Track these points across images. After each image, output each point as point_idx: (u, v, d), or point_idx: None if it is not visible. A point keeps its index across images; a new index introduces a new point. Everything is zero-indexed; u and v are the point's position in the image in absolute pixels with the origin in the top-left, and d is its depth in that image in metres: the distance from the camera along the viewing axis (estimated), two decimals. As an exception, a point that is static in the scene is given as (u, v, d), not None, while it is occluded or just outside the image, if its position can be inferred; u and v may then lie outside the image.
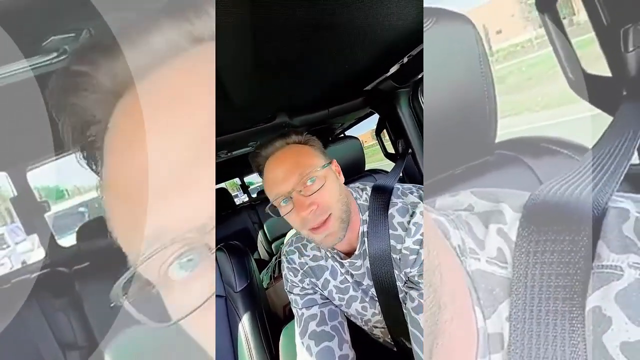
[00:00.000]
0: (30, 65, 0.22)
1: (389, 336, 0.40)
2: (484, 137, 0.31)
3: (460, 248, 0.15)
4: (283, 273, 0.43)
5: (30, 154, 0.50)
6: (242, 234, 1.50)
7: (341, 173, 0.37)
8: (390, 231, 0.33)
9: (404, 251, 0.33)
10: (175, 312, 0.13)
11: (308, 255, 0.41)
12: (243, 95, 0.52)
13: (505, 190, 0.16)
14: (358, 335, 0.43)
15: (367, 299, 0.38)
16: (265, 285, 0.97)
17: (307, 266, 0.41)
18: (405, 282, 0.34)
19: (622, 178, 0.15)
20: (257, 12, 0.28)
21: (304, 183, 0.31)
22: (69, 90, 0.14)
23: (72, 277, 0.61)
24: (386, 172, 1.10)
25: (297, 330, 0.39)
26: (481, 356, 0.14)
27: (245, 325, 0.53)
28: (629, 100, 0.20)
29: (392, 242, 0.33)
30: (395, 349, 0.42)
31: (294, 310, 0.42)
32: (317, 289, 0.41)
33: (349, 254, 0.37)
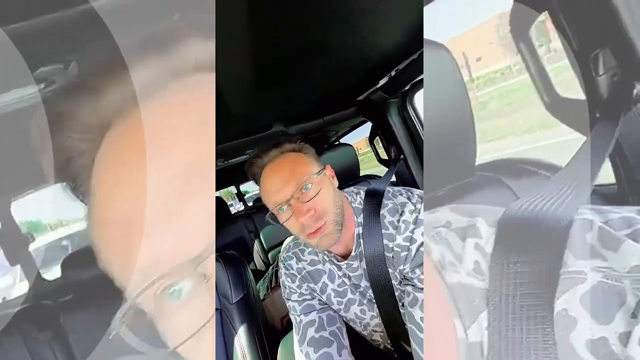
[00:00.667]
0: (18, 97, 0.22)
1: (389, 341, 0.40)
2: (466, 159, 0.33)
3: (441, 262, 0.16)
4: (280, 280, 0.43)
5: (14, 185, 0.48)
6: (238, 243, 1.46)
7: (335, 177, 0.38)
8: (383, 231, 0.35)
9: (395, 248, 0.34)
10: (171, 338, 0.13)
11: (305, 260, 0.41)
12: (241, 105, 0.53)
13: (481, 207, 0.18)
14: (358, 342, 0.42)
15: (365, 301, 0.38)
16: (262, 297, 0.95)
17: (304, 271, 0.41)
18: (401, 281, 0.35)
19: (589, 193, 0.16)
20: (256, 32, 0.31)
21: (300, 190, 0.33)
22: (51, 131, 0.14)
23: (57, 310, 0.57)
24: (380, 177, 1.12)
25: (296, 338, 0.39)
26: None
27: (241, 338, 0.52)
28: (600, 121, 0.22)
29: (385, 241, 0.34)
30: (396, 355, 0.41)
31: (292, 318, 0.41)
32: (315, 294, 0.41)
33: (345, 257, 0.38)
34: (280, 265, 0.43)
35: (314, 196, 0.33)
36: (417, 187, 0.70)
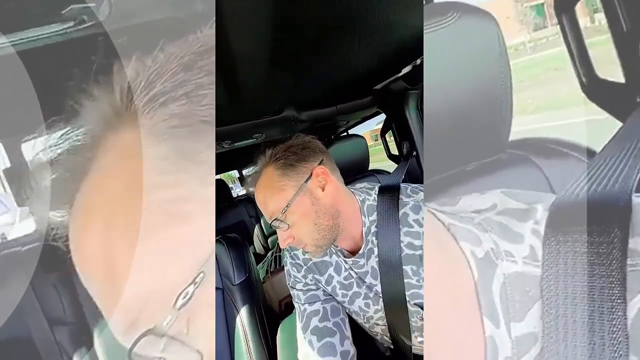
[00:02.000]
0: (46, 33, 0.21)
1: (388, 334, 0.40)
2: (499, 135, 0.31)
3: (494, 251, 0.14)
4: (286, 268, 0.43)
5: (25, 126, 0.47)
6: (239, 226, 1.48)
7: (329, 177, 0.36)
8: (407, 229, 0.34)
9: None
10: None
11: None
12: (252, 85, 0.50)
13: (535, 192, 0.16)
14: (356, 334, 0.43)
15: (371, 295, 0.38)
16: (261, 279, 0.97)
17: (311, 262, 0.41)
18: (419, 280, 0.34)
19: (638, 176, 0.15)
20: (273, 5, 0.28)
21: (275, 221, 0.33)
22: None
23: (65, 252, 0.60)
24: (388, 172, 1.10)
25: (299, 325, 0.39)
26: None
27: (243, 319, 0.53)
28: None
29: (409, 239, 0.34)
30: (392, 347, 0.42)
31: (296, 306, 0.41)
32: (320, 284, 0.41)
33: (353, 252, 0.38)
34: (286, 254, 0.43)
35: (287, 228, 0.33)
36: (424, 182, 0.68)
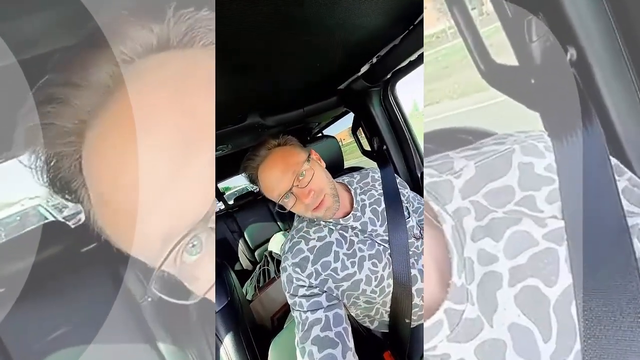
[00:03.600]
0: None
1: (389, 314, 0.42)
2: None
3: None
4: (285, 275, 0.41)
5: None
6: (221, 245, 1.39)
7: (321, 159, 0.45)
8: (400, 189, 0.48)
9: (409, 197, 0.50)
10: (196, 288, 0.16)
11: (314, 239, 0.42)
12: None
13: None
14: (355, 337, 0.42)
15: (374, 251, 0.41)
16: (250, 298, 0.92)
17: (316, 248, 0.41)
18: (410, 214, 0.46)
19: None
20: (221, 9, 0.25)
21: (297, 178, 0.38)
22: (36, 144, 0.15)
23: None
24: (364, 168, 1.12)
25: (298, 336, 0.37)
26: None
27: (227, 347, 0.49)
28: (538, 87, 0.23)
29: (401, 188, 0.48)
30: (389, 330, 0.43)
31: (296, 315, 0.39)
32: (326, 280, 0.40)
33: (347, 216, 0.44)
34: (287, 255, 0.41)
35: (310, 180, 0.39)
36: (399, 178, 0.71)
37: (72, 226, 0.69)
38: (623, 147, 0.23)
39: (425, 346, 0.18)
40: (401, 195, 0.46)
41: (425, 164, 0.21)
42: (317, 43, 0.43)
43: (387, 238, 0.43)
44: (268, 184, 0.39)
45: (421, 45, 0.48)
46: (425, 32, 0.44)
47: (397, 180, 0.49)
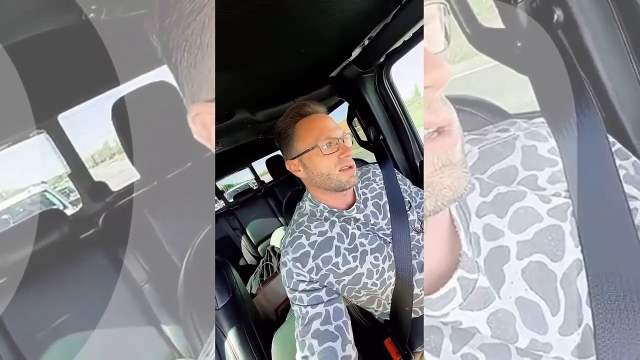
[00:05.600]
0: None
1: (390, 304, 0.42)
2: None
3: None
4: (285, 269, 0.41)
5: None
6: (224, 242, 1.41)
7: None
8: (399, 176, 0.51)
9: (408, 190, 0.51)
10: None
11: (315, 233, 0.42)
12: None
13: None
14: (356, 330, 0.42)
15: (375, 245, 0.41)
16: (255, 292, 0.93)
17: (317, 243, 0.41)
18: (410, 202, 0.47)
19: None
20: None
21: (344, 137, 0.43)
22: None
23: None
24: (364, 161, 1.11)
25: (298, 329, 0.38)
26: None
27: (231, 342, 0.50)
28: (522, 51, 0.22)
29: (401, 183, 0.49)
30: (389, 318, 0.44)
31: (296, 309, 0.39)
32: (326, 271, 0.40)
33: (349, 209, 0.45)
34: (286, 251, 0.41)
35: (350, 146, 0.43)
36: (397, 168, 0.70)
37: (74, 212, 0.70)
38: (616, 110, 0.22)
39: (437, 313, 0.18)
40: (402, 191, 0.47)
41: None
42: (302, 26, 0.40)
43: (388, 232, 0.43)
44: (320, 125, 0.42)
45: (415, 22, 0.44)
46: None
47: (398, 176, 0.50)
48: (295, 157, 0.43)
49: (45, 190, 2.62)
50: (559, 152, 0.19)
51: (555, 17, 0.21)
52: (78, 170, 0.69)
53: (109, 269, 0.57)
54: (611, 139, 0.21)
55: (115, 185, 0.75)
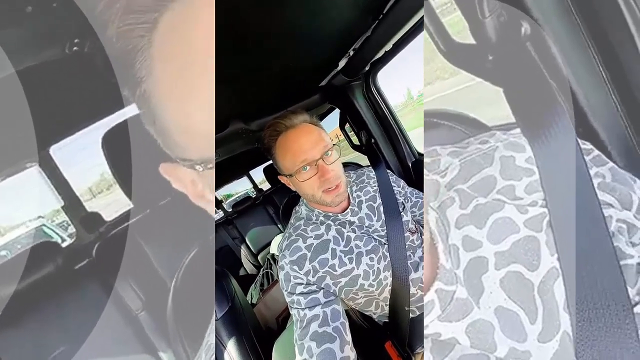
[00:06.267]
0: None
1: (388, 303, 0.42)
2: None
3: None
4: (283, 273, 0.41)
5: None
6: (224, 252, 1.40)
7: None
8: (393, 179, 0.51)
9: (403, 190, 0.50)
10: None
11: (311, 237, 0.42)
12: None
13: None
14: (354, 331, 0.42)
15: (370, 247, 0.42)
16: (255, 302, 0.93)
17: (313, 246, 0.41)
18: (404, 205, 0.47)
19: None
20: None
21: (324, 154, 0.39)
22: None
23: None
24: (358, 164, 1.12)
25: (297, 333, 0.38)
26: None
27: (231, 353, 0.50)
28: (495, 64, 0.23)
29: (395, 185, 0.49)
30: (388, 320, 0.44)
31: (294, 313, 0.40)
32: (324, 277, 0.40)
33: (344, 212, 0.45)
34: (284, 254, 0.41)
35: (334, 161, 0.40)
36: (390, 169, 0.71)
37: (69, 243, 0.69)
38: (587, 116, 0.23)
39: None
40: (397, 193, 0.47)
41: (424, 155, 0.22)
42: (292, 40, 0.42)
43: (383, 233, 0.43)
44: (295, 148, 0.39)
45: (394, 33, 0.48)
46: (415, 18, 0.44)
47: (392, 178, 0.50)
48: (282, 174, 0.43)
49: (43, 225, 2.57)
50: (535, 161, 0.20)
51: (523, 30, 0.22)
52: (71, 202, 0.69)
53: (104, 299, 0.56)
54: (589, 145, 0.21)
55: (108, 215, 0.74)
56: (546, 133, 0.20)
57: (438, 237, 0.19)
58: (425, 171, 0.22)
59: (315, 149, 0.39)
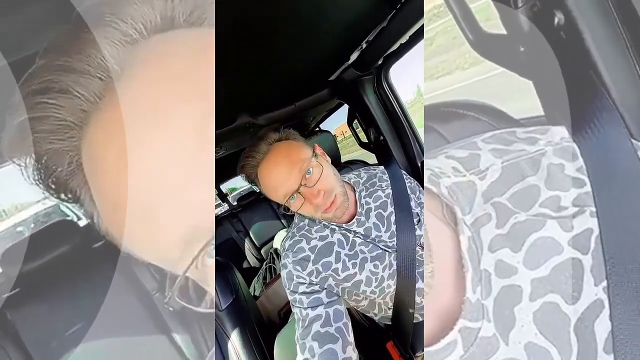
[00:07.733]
0: None
1: (391, 306, 0.41)
2: None
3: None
4: (285, 272, 0.40)
5: None
6: (228, 245, 1.42)
7: (325, 154, 0.41)
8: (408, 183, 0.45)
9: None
10: (212, 290, 0.15)
11: (316, 238, 0.41)
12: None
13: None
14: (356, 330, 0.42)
15: (375, 254, 0.40)
16: (258, 294, 0.94)
17: (317, 248, 0.40)
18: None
19: None
20: (217, 8, 0.25)
21: (304, 176, 0.35)
22: (27, 140, 0.13)
23: (2, 308, 0.53)
24: (364, 162, 1.11)
25: (299, 332, 0.37)
26: (469, 319, 0.16)
27: (235, 343, 0.51)
28: (528, 56, 0.21)
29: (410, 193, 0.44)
30: (391, 322, 0.43)
31: (296, 311, 0.39)
32: (328, 278, 0.39)
33: (350, 221, 0.42)
34: (288, 253, 0.40)
35: (318, 178, 0.35)
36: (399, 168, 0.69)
37: (87, 222, 0.71)
38: (622, 114, 0.22)
39: None
40: (412, 201, 0.43)
41: (440, 150, 0.19)
42: (302, 32, 0.41)
43: (390, 244, 0.41)
44: (271, 184, 0.36)
45: (412, 24, 0.45)
46: (434, 3, 0.42)
47: (408, 183, 0.45)
48: None
49: (60, 202, 2.62)
50: (586, 170, 0.17)
51: (557, 20, 0.21)
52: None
53: (121, 279, 0.58)
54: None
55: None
56: (593, 130, 0.17)
57: (469, 263, 0.16)
58: (461, 168, 0.18)
59: (290, 178, 0.34)
